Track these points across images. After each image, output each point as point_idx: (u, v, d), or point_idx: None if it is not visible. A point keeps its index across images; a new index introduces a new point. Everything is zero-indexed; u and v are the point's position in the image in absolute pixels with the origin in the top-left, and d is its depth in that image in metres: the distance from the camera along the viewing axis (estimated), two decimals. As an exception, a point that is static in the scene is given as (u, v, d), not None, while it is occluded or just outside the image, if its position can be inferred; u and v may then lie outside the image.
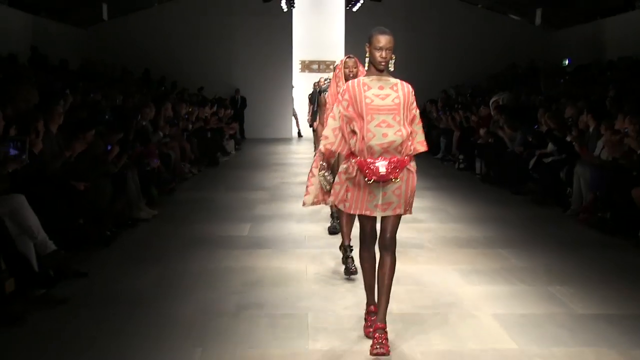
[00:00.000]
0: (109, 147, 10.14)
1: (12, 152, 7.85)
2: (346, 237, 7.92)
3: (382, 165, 5.51)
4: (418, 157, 5.82)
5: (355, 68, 7.96)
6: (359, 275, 6.63)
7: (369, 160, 5.57)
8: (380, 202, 5.66)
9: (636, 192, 9.09)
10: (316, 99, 11.11)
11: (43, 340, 6.12)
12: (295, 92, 27.36)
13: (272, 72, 25.70)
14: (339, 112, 5.72)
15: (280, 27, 25.50)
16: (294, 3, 25.75)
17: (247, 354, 5.78)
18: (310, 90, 19.15)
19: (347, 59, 8.11)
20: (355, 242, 6.51)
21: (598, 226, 10.38)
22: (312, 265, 8.30)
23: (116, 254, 9.02)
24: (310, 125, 14.25)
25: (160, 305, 7.00)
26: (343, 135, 5.75)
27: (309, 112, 17.90)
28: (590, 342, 6.03)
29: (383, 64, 5.62)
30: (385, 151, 5.54)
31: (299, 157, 20.60)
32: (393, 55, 5.68)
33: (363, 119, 5.57)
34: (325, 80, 16.50)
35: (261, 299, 7.20)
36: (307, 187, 6.90)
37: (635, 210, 9.57)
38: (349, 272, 7.64)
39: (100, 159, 9.78)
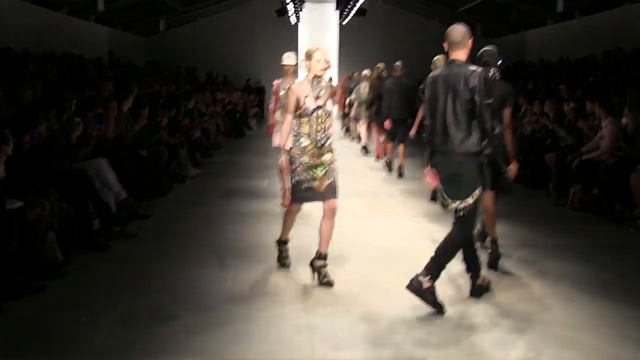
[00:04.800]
0: (160, 118, 10.17)
1: (98, 126, 7.84)
2: None
3: None
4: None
5: None
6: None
7: None
8: None
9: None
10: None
11: (121, 261, 6.20)
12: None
13: (285, 68, 25.56)
14: None
15: (290, 35, 25.17)
16: (300, 18, 25.62)
17: (265, 274, 5.80)
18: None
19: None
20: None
21: (520, 181, 10.31)
22: (314, 208, 8.28)
23: (171, 201, 9.00)
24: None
25: (202, 238, 7.01)
26: None
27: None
28: (514, 266, 6.00)
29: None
30: None
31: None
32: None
33: None
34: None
35: (277, 235, 7.21)
36: None
37: (546, 170, 9.52)
38: None
39: (156, 130, 9.76)
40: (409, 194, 9.53)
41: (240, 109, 19.98)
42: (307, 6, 25.45)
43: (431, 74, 5.04)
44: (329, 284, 5.41)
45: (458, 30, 4.88)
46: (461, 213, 4.83)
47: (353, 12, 23.97)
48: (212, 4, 24.97)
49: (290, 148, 5.54)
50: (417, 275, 4.82)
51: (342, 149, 15.09)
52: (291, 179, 5.56)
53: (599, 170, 8.09)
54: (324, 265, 5.49)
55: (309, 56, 5.48)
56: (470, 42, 4.90)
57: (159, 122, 9.99)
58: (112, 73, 14.86)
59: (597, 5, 17.36)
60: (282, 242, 5.98)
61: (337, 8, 25.37)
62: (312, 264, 5.57)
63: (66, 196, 6.28)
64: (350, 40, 25.18)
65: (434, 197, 8.65)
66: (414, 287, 4.80)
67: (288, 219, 5.88)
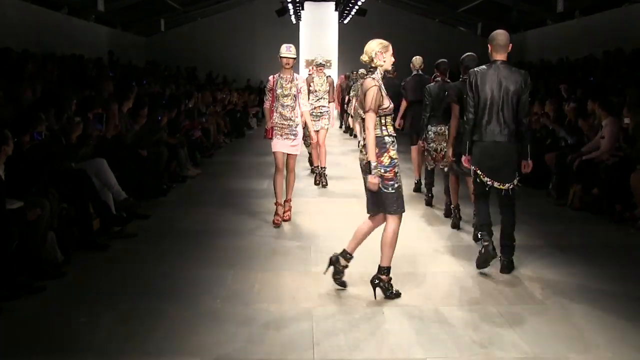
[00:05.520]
0: (160, 117, 10.20)
1: (98, 126, 7.83)
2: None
3: None
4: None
5: None
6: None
7: None
8: None
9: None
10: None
11: (121, 261, 6.19)
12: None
13: (285, 68, 25.51)
14: None
15: (291, 34, 25.14)
16: (300, 17, 25.64)
17: (265, 274, 5.81)
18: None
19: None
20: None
21: (520, 181, 10.28)
22: (314, 208, 8.29)
23: (170, 201, 9.00)
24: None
25: (202, 238, 7.00)
26: None
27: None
28: (514, 265, 6.04)
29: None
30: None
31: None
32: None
33: None
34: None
35: (277, 235, 7.22)
36: None
37: (546, 170, 9.51)
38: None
39: (155, 131, 9.76)
40: (409, 195, 9.51)
41: (240, 109, 19.98)
42: (307, 6, 25.47)
43: (477, 71, 5.63)
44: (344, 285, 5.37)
45: (504, 35, 5.67)
46: (511, 192, 5.68)
47: (353, 12, 23.99)
48: (212, 4, 24.99)
49: (383, 154, 5.00)
50: (505, 262, 5.75)
51: (343, 146, 15.08)
52: (387, 187, 5.00)
53: (599, 170, 8.09)
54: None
55: (386, 48, 5.01)
56: (510, 46, 5.67)
57: (159, 122, 10.00)
58: (112, 73, 14.86)
59: (597, 5, 17.38)
60: (387, 270, 5.20)
61: (337, 8, 25.39)
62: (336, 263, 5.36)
63: (66, 196, 6.29)
64: (350, 40, 25.13)
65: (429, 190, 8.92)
66: (510, 268, 5.76)
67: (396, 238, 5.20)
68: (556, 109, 10.19)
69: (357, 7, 22.99)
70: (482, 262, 5.62)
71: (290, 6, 23.06)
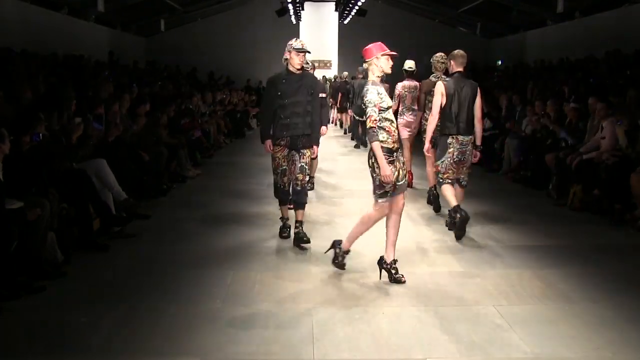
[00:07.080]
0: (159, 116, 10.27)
1: (97, 126, 7.83)
2: None
3: None
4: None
5: None
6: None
7: None
8: None
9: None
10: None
11: (121, 261, 6.19)
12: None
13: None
14: None
15: (291, 35, 25.11)
16: (300, 17, 25.65)
17: (265, 274, 5.81)
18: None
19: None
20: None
21: (521, 181, 10.34)
22: (313, 211, 8.28)
23: (170, 201, 9.00)
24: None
25: (202, 239, 7.00)
26: None
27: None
28: (514, 266, 6.05)
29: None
30: None
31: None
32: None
33: None
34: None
35: (276, 235, 7.20)
36: None
37: (546, 170, 9.53)
38: None
39: (155, 130, 9.77)
40: (408, 196, 9.51)
41: (240, 109, 19.98)
42: (307, 6, 25.47)
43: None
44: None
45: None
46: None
47: (353, 12, 24.00)
48: (212, 4, 24.98)
49: None
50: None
51: (339, 146, 15.07)
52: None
53: (599, 170, 8.09)
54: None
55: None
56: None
57: (158, 120, 9.98)
58: (113, 73, 14.85)
59: (597, 5, 17.36)
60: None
61: (337, 8, 25.40)
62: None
63: (66, 196, 6.28)
64: (350, 40, 25.14)
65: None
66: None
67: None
68: (557, 110, 10.20)
69: (357, 7, 22.99)
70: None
71: (290, 6, 23.06)
